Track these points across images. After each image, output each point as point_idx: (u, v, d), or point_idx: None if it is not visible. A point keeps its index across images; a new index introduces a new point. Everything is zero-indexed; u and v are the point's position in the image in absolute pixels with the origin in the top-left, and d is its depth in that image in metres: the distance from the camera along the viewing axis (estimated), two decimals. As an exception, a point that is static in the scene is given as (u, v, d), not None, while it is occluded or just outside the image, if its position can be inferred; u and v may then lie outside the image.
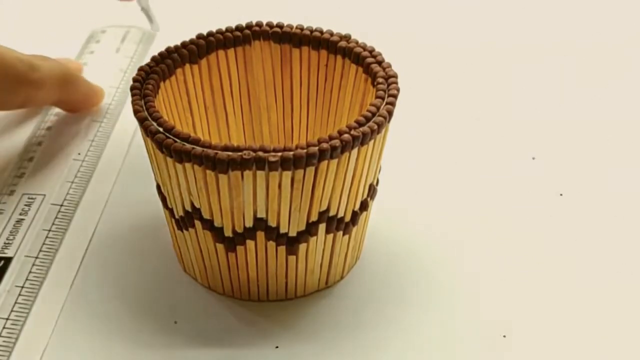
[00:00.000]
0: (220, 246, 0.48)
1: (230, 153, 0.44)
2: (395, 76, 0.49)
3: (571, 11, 0.75)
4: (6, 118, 0.63)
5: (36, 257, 0.52)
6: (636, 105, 0.64)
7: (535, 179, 0.58)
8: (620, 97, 0.65)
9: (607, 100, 0.65)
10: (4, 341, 0.47)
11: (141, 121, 0.47)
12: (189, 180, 0.46)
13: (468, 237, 0.53)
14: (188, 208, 0.48)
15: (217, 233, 0.47)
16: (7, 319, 0.49)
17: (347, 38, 0.52)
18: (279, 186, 0.45)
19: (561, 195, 0.56)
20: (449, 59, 0.69)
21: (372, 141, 0.47)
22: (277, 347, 0.47)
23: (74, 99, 0.62)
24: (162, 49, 0.51)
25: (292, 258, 0.48)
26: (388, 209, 0.54)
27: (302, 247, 0.48)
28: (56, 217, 0.55)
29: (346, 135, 0.45)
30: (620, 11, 0.75)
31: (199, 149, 0.45)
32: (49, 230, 0.54)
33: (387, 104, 0.48)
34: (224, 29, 0.53)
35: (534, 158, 0.59)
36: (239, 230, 0.47)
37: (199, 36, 0.52)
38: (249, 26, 0.53)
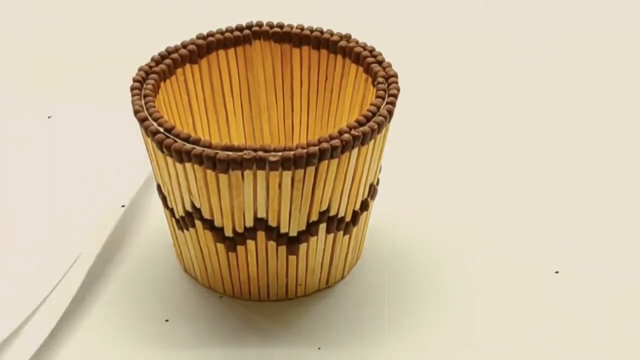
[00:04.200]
0: (220, 246, 0.48)
1: (230, 153, 0.44)
2: (395, 76, 0.49)
3: (572, 8, 0.74)
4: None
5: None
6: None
7: (537, 178, 0.58)
8: (619, 91, 0.65)
9: (612, 95, 0.64)
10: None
11: (141, 121, 0.47)
12: (189, 180, 0.46)
13: (468, 237, 0.53)
14: (188, 208, 0.48)
15: (218, 233, 0.47)
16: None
17: (347, 38, 0.52)
18: (280, 186, 0.45)
19: (561, 196, 0.57)
20: (449, 59, 0.69)
21: (372, 141, 0.47)
22: (319, 348, 0.47)
23: None
24: (162, 49, 0.51)
25: (292, 258, 0.48)
26: (388, 208, 0.54)
27: (303, 247, 0.48)
28: (56, 217, 0.55)
29: (346, 135, 0.45)
30: (620, 8, 0.74)
31: (199, 148, 0.45)
32: (49, 230, 0.54)
33: (387, 103, 0.48)
34: (224, 29, 0.53)
35: (535, 158, 0.59)
36: (240, 230, 0.47)
37: (199, 36, 0.52)
38: (249, 26, 0.53)
